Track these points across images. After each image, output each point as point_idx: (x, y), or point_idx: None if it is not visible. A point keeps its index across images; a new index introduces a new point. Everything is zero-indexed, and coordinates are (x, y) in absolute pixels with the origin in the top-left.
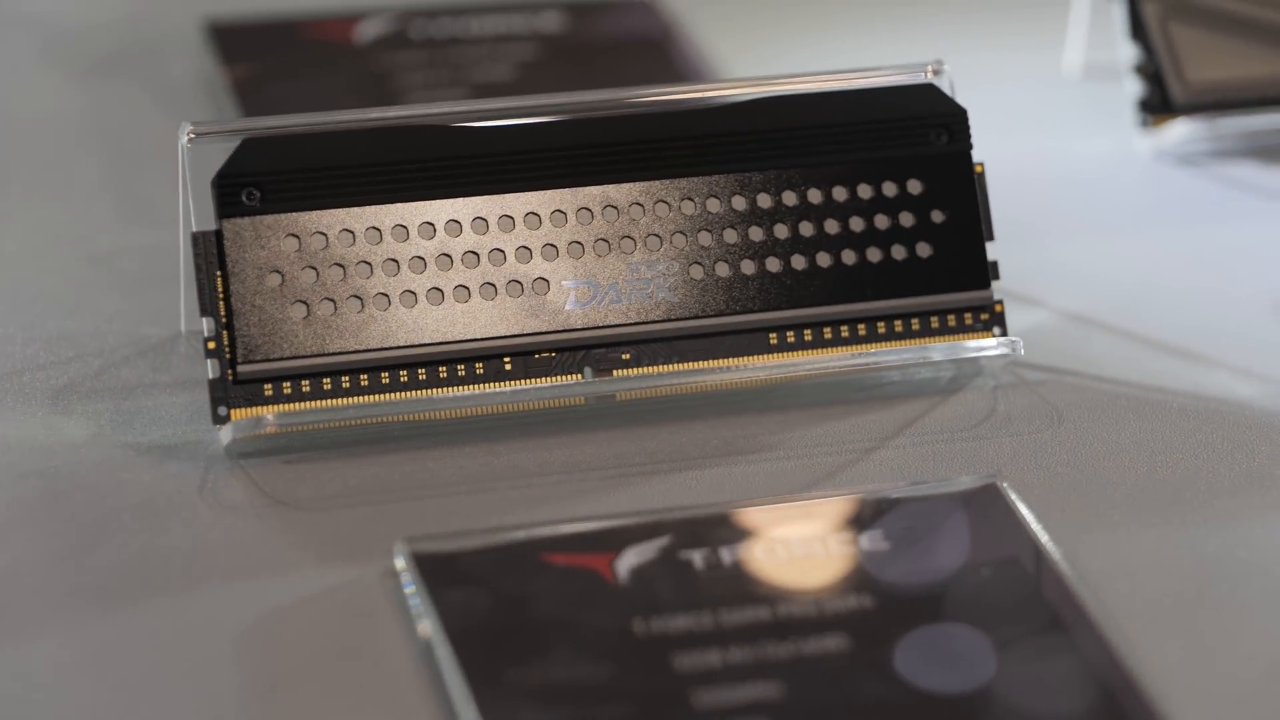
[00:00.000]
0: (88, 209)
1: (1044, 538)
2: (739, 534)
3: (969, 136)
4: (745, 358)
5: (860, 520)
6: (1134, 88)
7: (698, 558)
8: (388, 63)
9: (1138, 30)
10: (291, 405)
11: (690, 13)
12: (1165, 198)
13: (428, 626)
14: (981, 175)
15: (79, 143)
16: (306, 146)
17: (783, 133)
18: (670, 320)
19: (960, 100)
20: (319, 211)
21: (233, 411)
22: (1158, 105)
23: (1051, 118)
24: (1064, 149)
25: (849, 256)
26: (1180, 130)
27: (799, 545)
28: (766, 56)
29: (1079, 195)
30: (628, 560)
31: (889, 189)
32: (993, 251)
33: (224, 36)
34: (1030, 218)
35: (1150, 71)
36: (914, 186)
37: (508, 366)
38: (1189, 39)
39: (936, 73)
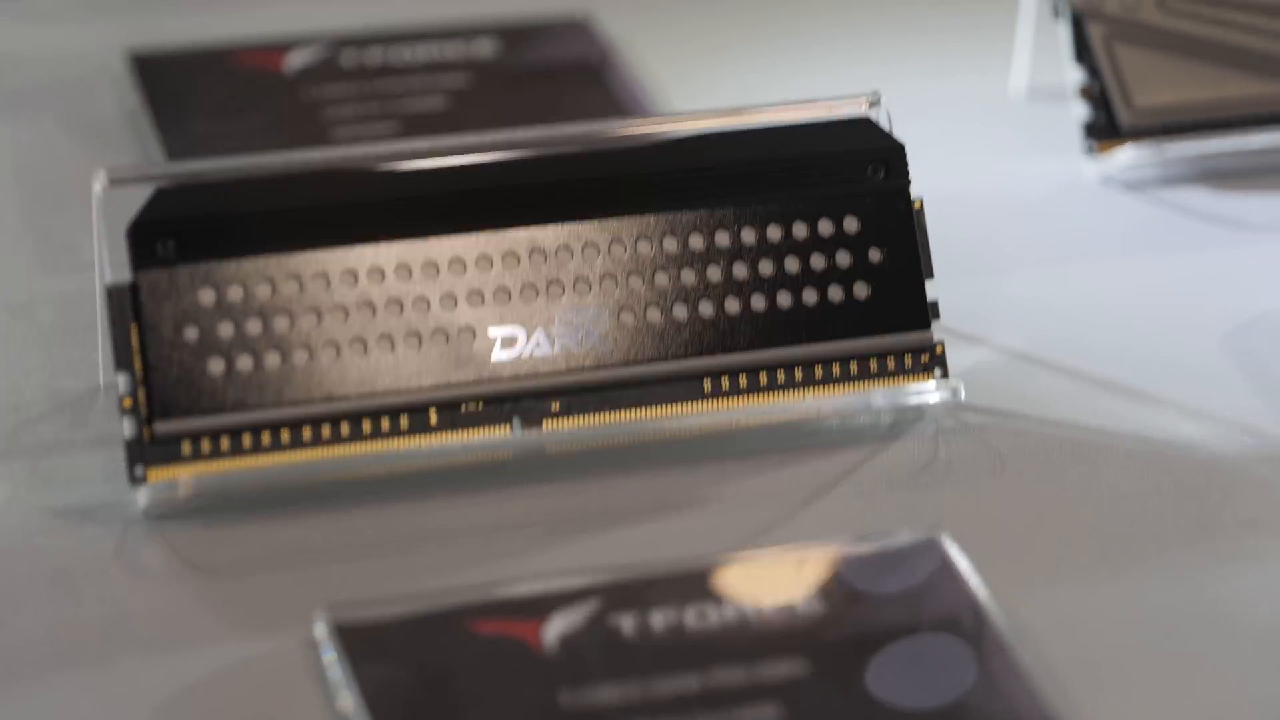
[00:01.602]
0: (3, 254)
1: (984, 594)
2: (670, 596)
3: (907, 172)
4: (678, 404)
5: (797, 579)
6: (1080, 111)
7: (627, 623)
8: (317, 94)
9: (1083, 52)
10: (211, 463)
11: (628, 35)
12: (1112, 225)
13: (348, 700)
14: (920, 211)
15: None
16: (223, 193)
17: (714, 171)
18: (601, 368)
19: (901, 125)
20: (237, 261)
21: (150, 471)
22: (1104, 130)
23: (996, 142)
24: (1008, 175)
25: (784, 299)
26: (1127, 155)
27: (731, 608)
28: (706, 79)
29: (1023, 224)
30: (555, 627)
31: (825, 228)
32: (933, 289)
33: (148, 67)
34: (972, 248)
35: (1096, 94)
36: (850, 225)
37: (433, 421)
38: (1135, 60)
39: (873, 104)
